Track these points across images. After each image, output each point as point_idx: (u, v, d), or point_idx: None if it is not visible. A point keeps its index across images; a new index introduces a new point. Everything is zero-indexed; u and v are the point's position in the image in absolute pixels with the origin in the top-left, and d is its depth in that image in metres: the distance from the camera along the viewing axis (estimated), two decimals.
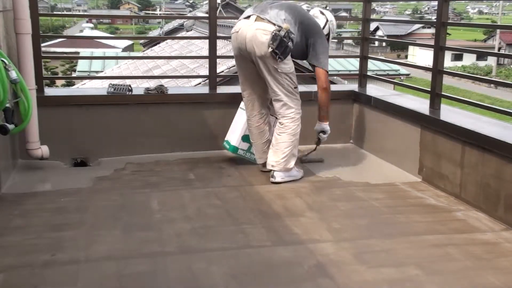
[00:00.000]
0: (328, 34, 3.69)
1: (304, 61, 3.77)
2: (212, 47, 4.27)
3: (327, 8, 3.61)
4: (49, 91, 4.36)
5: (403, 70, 17.65)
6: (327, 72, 3.60)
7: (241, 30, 3.47)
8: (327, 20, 3.68)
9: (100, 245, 2.60)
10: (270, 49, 3.33)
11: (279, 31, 3.33)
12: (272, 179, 3.55)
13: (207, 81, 4.49)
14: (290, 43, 3.36)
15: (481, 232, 2.84)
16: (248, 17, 3.48)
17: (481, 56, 34.64)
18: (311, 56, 3.58)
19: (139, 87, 4.56)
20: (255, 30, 3.38)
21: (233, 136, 3.91)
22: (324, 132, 3.76)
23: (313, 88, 4.45)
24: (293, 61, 3.52)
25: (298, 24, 3.47)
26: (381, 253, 2.58)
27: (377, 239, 2.73)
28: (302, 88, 3.88)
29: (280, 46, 3.33)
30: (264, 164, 3.69)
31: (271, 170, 3.57)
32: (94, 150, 4.01)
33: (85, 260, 2.45)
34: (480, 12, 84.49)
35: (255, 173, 3.76)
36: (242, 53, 3.51)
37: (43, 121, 3.71)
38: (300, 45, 3.51)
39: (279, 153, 3.53)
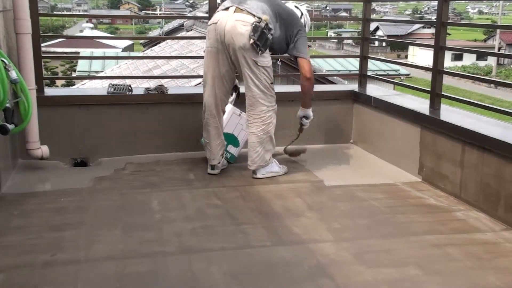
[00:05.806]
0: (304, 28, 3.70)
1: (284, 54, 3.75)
2: None
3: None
4: (49, 91, 4.36)
5: (403, 70, 17.69)
6: (309, 61, 3.59)
7: (219, 21, 3.39)
8: (302, 14, 3.68)
9: (100, 245, 2.60)
10: (251, 41, 3.28)
11: (259, 22, 3.28)
12: (254, 175, 3.62)
13: None
14: (269, 35, 3.33)
15: (481, 232, 2.84)
16: (227, 8, 3.41)
17: (481, 56, 34.63)
18: (292, 48, 3.56)
19: (139, 87, 4.56)
20: (234, 21, 3.33)
21: None
22: (306, 117, 3.77)
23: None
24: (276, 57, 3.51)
25: (277, 17, 3.45)
26: (381, 253, 2.58)
27: (377, 239, 2.74)
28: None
29: (261, 38, 3.29)
30: (213, 167, 3.68)
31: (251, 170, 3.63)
32: (94, 150, 4.01)
33: (85, 260, 2.45)
34: (480, 12, 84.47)
35: None
36: (219, 46, 3.43)
37: (43, 121, 3.71)
38: (280, 38, 3.50)
39: (252, 152, 3.57)
